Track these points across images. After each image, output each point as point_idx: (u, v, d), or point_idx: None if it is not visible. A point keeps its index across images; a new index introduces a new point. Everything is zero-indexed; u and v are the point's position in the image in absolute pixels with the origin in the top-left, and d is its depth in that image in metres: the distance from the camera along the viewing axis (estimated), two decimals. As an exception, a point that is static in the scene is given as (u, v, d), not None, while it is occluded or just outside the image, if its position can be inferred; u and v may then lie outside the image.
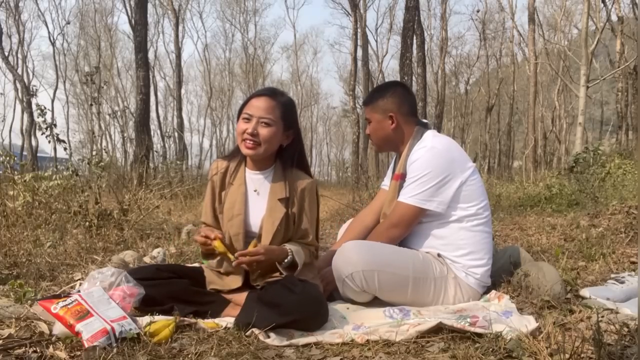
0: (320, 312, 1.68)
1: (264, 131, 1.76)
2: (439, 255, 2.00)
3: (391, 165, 2.39)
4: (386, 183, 2.42)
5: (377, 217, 2.28)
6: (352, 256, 1.87)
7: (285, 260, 1.78)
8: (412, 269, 1.90)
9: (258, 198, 1.86)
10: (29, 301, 1.93)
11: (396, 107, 2.14)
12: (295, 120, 1.88)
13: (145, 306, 1.75)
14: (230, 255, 1.75)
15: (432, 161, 1.97)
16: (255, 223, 1.84)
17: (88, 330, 1.49)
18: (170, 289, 1.78)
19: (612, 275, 2.23)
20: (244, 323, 1.59)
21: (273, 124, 1.77)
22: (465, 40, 50.73)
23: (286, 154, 1.88)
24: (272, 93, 1.82)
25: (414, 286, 1.90)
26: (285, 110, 1.81)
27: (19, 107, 23.94)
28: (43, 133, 4.32)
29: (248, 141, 1.76)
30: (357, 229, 2.32)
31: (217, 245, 1.75)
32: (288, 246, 1.80)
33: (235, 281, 1.85)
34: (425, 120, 2.23)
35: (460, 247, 1.98)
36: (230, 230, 1.83)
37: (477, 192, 2.02)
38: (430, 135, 2.08)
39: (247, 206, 1.85)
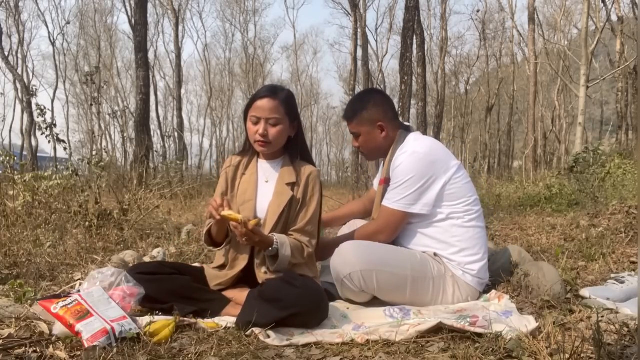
0: (320, 306, 1.70)
1: (273, 130, 1.88)
2: (435, 254, 2.00)
3: (380, 168, 2.39)
4: (377, 183, 2.46)
5: (364, 208, 2.51)
6: (350, 257, 1.87)
7: (270, 249, 1.80)
8: (411, 268, 1.90)
9: (267, 186, 1.94)
10: (29, 301, 1.93)
11: (382, 115, 2.14)
12: (297, 111, 1.97)
13: (147, 302, 1.76)
14: (238, 217, 1.73)
15: (414, 165, 1.97)
16: (263, 208, 1.91)
17: (88, 330, 1.49)
18: (171, 285, 1.79)
19: (612, 275, 2.23)
20: (245, 322, 1.60)
21: (280, 122, 1.88)
22: (465, 40, 50.89)
23: (293, 144, 1.98)
24: (273, 92, 1.90)
25: (412, 286, 1.90)
26: (288, 106, 1.90)
27: (19, 107, 23.94)
28: (43, 133, 4.32)
29: (260, 142, 1.88)
30: (347, 210, 2.58)
31: (226, 212, 1.74)
32: (276, 237, 1.81)
33: (241, 262, 1.88)
34: (407, 123, 2.23)
35: (453, 244, 1.99)
36: (242, 214, 1.88)
37: (464, 189, 2.02)
38: (411, 139, 2.08)
39: (257, 193, 1.93)
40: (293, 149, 1.98)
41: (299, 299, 1.62)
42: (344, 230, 2.45)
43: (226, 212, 1.73)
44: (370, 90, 2.35)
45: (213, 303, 1.81)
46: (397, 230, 2.04)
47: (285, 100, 1.89)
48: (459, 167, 2.04)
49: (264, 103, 1.86)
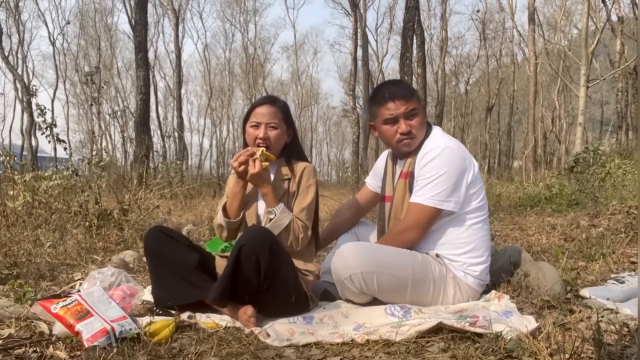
0: (266, 238, 1.72)
1: (272, 133, 2.00)
2: (437, 255, 2.00)
3: (380, 162, 2.36)
4: (371, 182, 2.42)
5: (357, 210, 2.46)
6: (350, 258, 1.86)
7: (271, 209, 1.92)
8: (411, 270, 1.89)
9: None
10: (29, 301, 1.93)
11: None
12: (292, 120, 2.13)
13: (153, 258, 1.87)
14: (268, 155, 1.94)
15: (448, 161, 1.93)
16: (263, 207, 2.00)
17: (88, 330, 1.49)
18: (182, 255, 1.87)
19: (612, 275, 2.23)
20: (213, 294, 1.72)
21: (278, 127, 2.01)
22: (465, 40, 50.73)
23: (289, 149, 2.10)
24: (272, 100, 2.06)
25: (413, 287, 1.89)
26: (285, 113, 2.06)
27: (19, 107, 23.96)
28: (43, 133, 4.31)
29: (261, 145, 1.98)
30: (336, 220, 2.48)
31: (259, 151, 1.92)
32: (283, 204, 1.94)
33: None
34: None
35: (460, 245, 1.97)
36: (246, 212, 2.05)
37: (480, 190, 2.03)
38: (438, 134, 2.05)
39: (259, 194, 2.04)
40: (289, 152, 2.10)
41: (243, 236, 1.74)
42: (344, 238, 2.37)
43: (259, 152, 1.90)
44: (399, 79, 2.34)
45: (206, 285, 1.83)
46: (428, 227, 1.97)
47: (282, 107, 2.05)
48: (478, 168, 2.04)
49: (263, 109, 2.00)
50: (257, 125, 1.99)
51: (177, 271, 1.83)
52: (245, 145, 2.07)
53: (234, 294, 1.71)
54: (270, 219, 1.91)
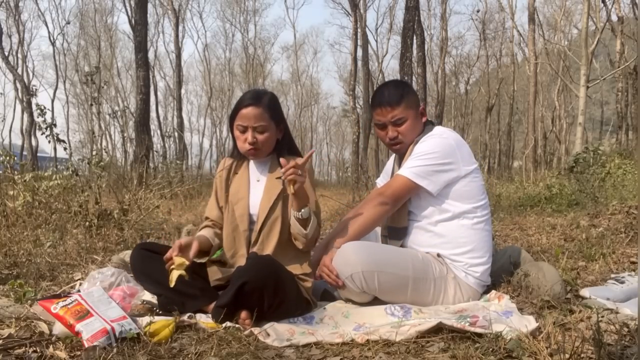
0: (271, 274, 1.68)
1: (261, 137, 1.91)
2: (438, 255, 2.00)
3: (390, 163, 2.38)
4: (381, 181, 2.42)
5: None
6: (351, 257, 1.87)
7: (303, 210, 1.83)
8: (412, 269, 1.90)
9: (259, 185, 2.00)
10: (29, 301, 1.93)
11: (419, 100, 2.14)
12: (282, 114, 2.00)
13: (142, 277, 1.86)
14: (183, 273, 1.70)
15: (439, 145, 1.97)
16: (255, 205, 1.95)
17: (88, 330, 1.49)
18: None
19: (612, 275, 2.23)
20: (215, 310, 1.71)
21: (266, 129, 1.91)
22: (465, 40, 50.85)
23: (281, 145, 2.02)
24: (256, 99, 1.90)
25: (413, 286, 1.90)
26: (272, 111, 1.92)
27: (19, 107, 23.92)
28: (43, 133, 4.31)
29: (250, 150, 1.91)
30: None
31: (177, 260, 1.72)
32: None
33: (240, 259, 1.91)
34: (430, 119, 2.24)
35: (460, 244, 1.98)
36: (236, 212, 1.96)
37: (479, 190, 2.03)
38: (441, 128, 2.09)
39: (250, 191, 1.99)
40: (281, 148, 2.01)
41: (246, 270, 1.69)
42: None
43: (178, 262, 1.71)
44: (399, 80, 2.31)
45: (201, 294, 1.83)
46: (397, 195, 1.98)
47: (269, 106, 1.91)
48: (477, 169, 2.05)
49: (248, 111, 1.88)
50: (244, 130, 1.90)
51: (169, 286, 1.78)
52: (235, 143, 2.00)
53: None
54: (299, 219, 1.83)
